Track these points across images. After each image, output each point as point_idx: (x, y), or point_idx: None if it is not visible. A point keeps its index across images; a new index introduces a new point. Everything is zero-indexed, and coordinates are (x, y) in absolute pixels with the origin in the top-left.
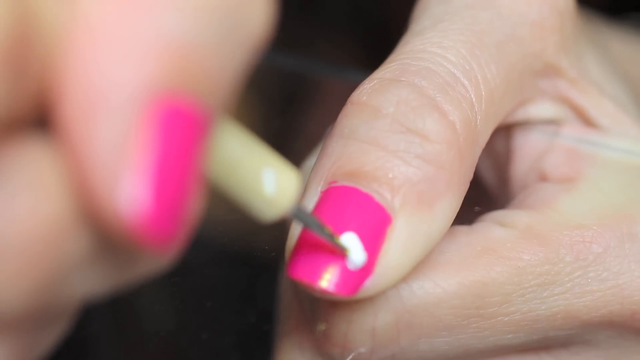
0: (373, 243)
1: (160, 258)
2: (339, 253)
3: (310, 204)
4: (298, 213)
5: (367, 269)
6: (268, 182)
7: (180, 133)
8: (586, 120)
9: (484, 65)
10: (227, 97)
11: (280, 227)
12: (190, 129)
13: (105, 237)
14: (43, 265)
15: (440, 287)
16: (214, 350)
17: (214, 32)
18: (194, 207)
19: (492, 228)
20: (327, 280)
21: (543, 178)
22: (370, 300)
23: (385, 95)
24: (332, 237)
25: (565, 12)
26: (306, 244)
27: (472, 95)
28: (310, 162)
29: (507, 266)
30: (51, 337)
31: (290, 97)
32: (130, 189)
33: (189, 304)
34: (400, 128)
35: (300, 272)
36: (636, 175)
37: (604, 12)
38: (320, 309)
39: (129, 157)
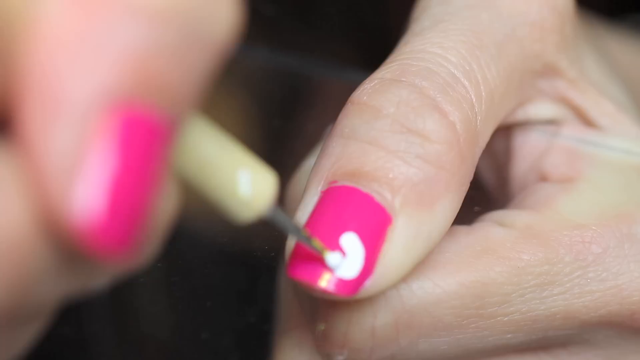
0: (373, 243)
1: (114, 266)
2: (316, 255)
3: (310, 204)
4: (274, 215)
5: (367, 270)
6: (243, 184)
7: (138, 142)
8: (586, 120)
9: (484, 66)
10: (192, 103)
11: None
12: (149, 138)
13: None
14: (11, 270)
15: (439, 287)
16: (214, 350)
17: (174, 39)
18: (152, 216)
19: (491, 228)
20: (327, 280)
21: (543, 178)
22: (369, 300)
23: (386, 96)
24: (309, 240)
25: (565, 12)
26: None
27: (473, 96)
28: (310, 162)
29: (507, 266)
30: (28, 335)
31: (290, 97)
32: (83, 196)
33: (188, 304)
34: (401, 128)
35: (300, 272)
36: (636, 175)
37: (602, 13)
38: (319, 309)
39: (84, 164)
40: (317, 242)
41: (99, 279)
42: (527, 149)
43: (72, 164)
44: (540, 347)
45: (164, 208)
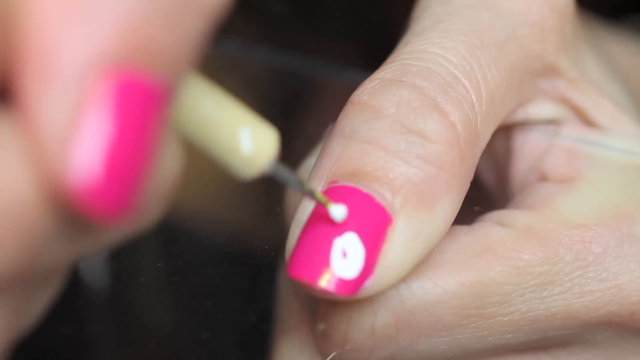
0: (373, 243)
1: (113, 229)
2: (322, 206)
3: (310, 203)
4: (277, 170)
5: (367, 269)
6: (245, 141)
7: (133, 106)
8: (586, 120)
9: (485, 66)
10: (187, 66)
11: (280, 226)
12: (145, 102)
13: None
14: (16, 233)
15: (439, 287)
16: (214, 349)
17: (167, 3)
18: (149, 179)
19: (491, 228)
20: (327, 280)
21: (543, 178)
22: (369, 300)
23: (386, 96)
24: (314, 193)
25: (565, 13)
26: (306, 244)
27: (473, 96)
28: (310, 161)
29: (507, 266)
30: (44, 299)
31: (291, 96)
32: (79, 161)
33: (188, 304)
34: (401, 128)
35: (300, 271)
36: (636, 175)
37: (603, 14)
38: (319, 309)
39: (80, 129)
40: (321, 195)
41: (104, 243)
42: (527, 149)
43: (68, 128)
44: (540, 347)
45: (165, 171)
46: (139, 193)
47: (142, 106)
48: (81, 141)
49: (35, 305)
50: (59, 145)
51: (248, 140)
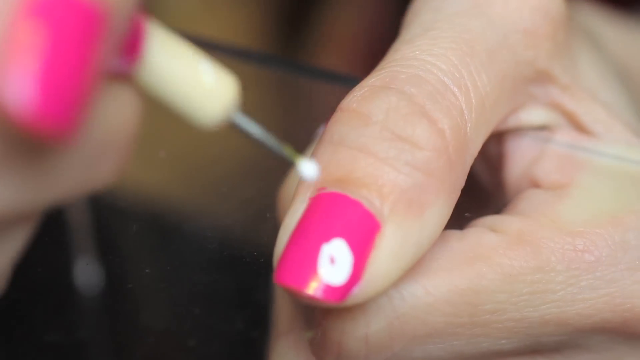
0: (362, 250)
1: (56, 145)
2: (290, 161)
3: (298, 210)
4: (240, 119)
5: (355, 276)
6: (207, 72)
7: (70, 24)
8: (578, 127)
9: (475, 73)
10: None
11: (271, 233)
12: (82, 20)
13: (9, 140)
14: None
15: (431, 294)
16: (202, 357)
17: None
18: (88, 97)
19: (484, 234)
20: (315, 287)
21: (535, 184)
22: (362, 308)
23: (375, 103)
24: (280, 146)
25: (558, 18)
26: (294, 250)
27: (462, 103)
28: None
29: (499, 274)
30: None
31: (280, 102)
32: (17, 80)
33: (177, 311)
34: (390, 135)
35: (287, 278)
36: (628, 181)
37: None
38: (313, 316)
39: (15, 47)
40: (289, 149)
41: (54, 181)
42: (520, 155)
43: (2, 47)
44: (535, 351)
45: (118, 116)
46: (79, 107)
47: (80, 24)
48: (17, 60)
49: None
50: None
51: (210, 72)
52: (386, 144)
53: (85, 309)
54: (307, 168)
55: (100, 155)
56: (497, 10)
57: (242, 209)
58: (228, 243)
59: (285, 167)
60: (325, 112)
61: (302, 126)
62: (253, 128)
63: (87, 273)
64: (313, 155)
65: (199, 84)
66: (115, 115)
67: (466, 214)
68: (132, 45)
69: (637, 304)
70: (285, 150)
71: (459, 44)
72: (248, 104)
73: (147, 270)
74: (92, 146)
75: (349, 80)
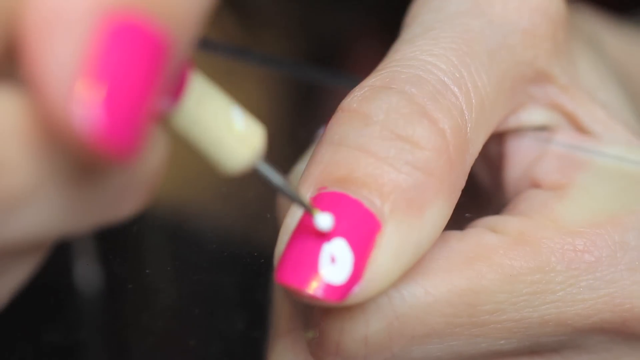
0: (362, 249)
1: (117, 167)
2: (306, 212)
3: (299, 210)
4: (264, 168)
5: (356, 276)
6: (238, 118)
7: (136, 50)
8: (578, 127)
9: (475, 73)
10: (193, 27)
11: (271, 233)
12: (147, 45)
13: (52, 169)
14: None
15: (431, 294)
16: (202, 357)
17: None
18: (150, 121)
19: (484, 234)
20: (315, 286)
21: (535, 184)
22: (361, 308)
23: (376, 103)
24: (298, 197)
25: (557, 19)
26: (295, 249)
27: (463, 103)
28: (300, 167)
29: (499, 274)
30: (14, 280)
31: (281, 102)
32: (85, 103)
33: (177, 311)
34: (390, 135)
35: (288, 277)
36: (627, 182)
37: (611, 9)
38: (312, 316)
39: (83, 70)
40: (308, 202)
41: (84, 214)
42: (520, 156)
43: (72, 70)
44: (534, 352)
45: (151, 159)
46: (142, 131)
47: (146, 50)
48: (85, 84)
49: (4, 284)
50: (63, 90)
51: (240, 118)
52: (386, 143)
53: (85, 309)
54: (323, 220)
55: (130, 190)
56: (497, 11)
57: (242, 209)
58: (228, 243)
59: (285, 167)
60: (326, 112)
61: (303, 126)
62: (275, 177)
63: (87, 273)
64: (314, 155)
65: (230, 131)
66: (148, 153)
67: (466, 215)
68: (176, 87)
69: (636, 304)
70: (304, 202)
71: (459, 44)
72: (248, 104)
73: (147, 271)
74: (126, 180)
75: (350, 80)
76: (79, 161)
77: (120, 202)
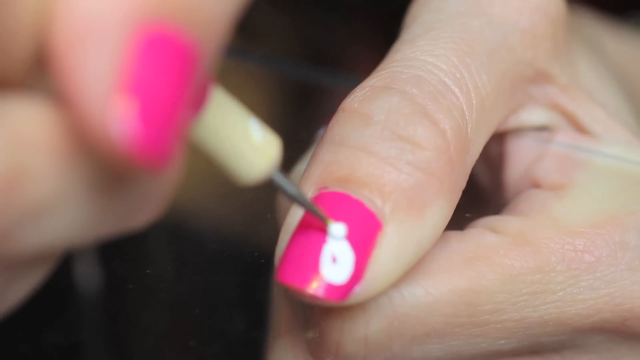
0: (363, 249)
1: (155, 177)
2: (320, 223)
3: (300, 209)
4: (279, 178)
5: (357, 275)
6: (255, 130)
7: (168, 60)
8: (578, 127)
9: (475, 74)
10: (221, 36)
11: (271, 233)
12: (179, 56)
13: (72, 180)
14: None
15: (431, 294)
16: (203, 357)
17: None
18: (184, 129)
19: (484, 234)
20: (317, 285)
21: (535, 184)
22: (362, 307)
23: (377, 103)
24: (313, 207)
25: (557, 19)
26: (296, 249)
27: (463, 104)
28: (300, 167)
29: (499, 274)
30: (25, 287)
31: (282, 102)
32: (120, 113)
33: (177, 311)
34: (391, 135)
35: (289, 276)
36: (628, 182)
37: (608, 11)
38: (312, 317)
39: (118, 81)
40: (321, 211)
41: (102, 224)
42: (520, 155)
43: (106, 81)
44: (534, 352)
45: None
46: (176, 139)
47: (178, 59)
48: (120, 95)
49: (13, 294)
50: (98, 102)
51: (258, 130)
52: (387, 143)
53: (85, 309)
54: (336, 229)
55: (146, 201)
56: (497, 11)
57: (242, 209)
58: (228, 243)
59: (285, 167)
60: (326, 113)
61: (303, 127)
62: (290, 187)
63: (87, 273)
64: (314, 155)
65: (249, 142)
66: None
67: (466, 215)
68: (197, 99)
69: (636, 304)
70: (317, 212)
71: (459, 45)
72: (248, 104)
73: (147, 271)
74: (145, 191)
75: (350, 81)
76: (103, 172)
77: (138, 212)
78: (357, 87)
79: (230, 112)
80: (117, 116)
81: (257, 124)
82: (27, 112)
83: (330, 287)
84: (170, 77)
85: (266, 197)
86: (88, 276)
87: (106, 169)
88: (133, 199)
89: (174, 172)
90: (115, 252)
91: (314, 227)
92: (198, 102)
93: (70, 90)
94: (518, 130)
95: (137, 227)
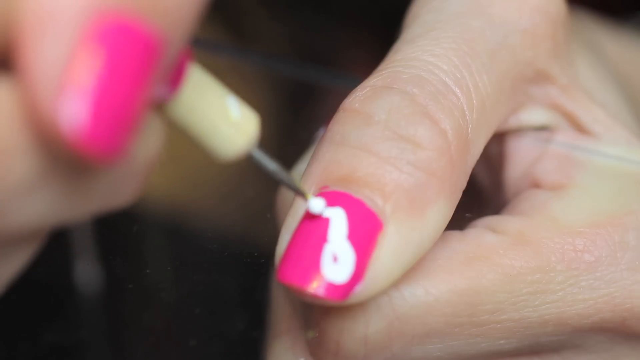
0: (364, 249)
1: (99, 167)
2: (299, 197)
3: (301, 209)
4: (258, 154)
5: (357, 275)
6: (233, 107)
7: (126, 50)
8: (578, 127)
9: (476, 74)
10: (185, 27)
11: (271, 233)
12: (138, 46)
13: (53, 158)
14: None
15: (431, 294)
16: (202, 357)
17: None
18: (136, 124)
19: (484, 234)
20: (317, 285)
21: (535, 184)
22: (362, 307)
23: (377, 103)
24: (293, 182)
25: (557, 19)
26: (297, 248)
27: (464, 104)
28: (301, 167)
29: (499, 274)
30: (10, 268)
31: (282, 102)
32: (71, 103)
33: (177, 311)
34: (392, 135)
35: (290, 276)
36: (627, 181)
37: (608, 12)
38: (312, 316)
39: (71, 71)
40: (301, 186)
41: (82, 204)
42: (520, 155)
43: (60, 71)
44: (533, 352)
45: (146, 145)
46: (128, 132)
47: (136, 52)
48: (72, 85)
49: (4, 272)
50: (51, 90)
51: (236, 107)
52: (388, 143)
53: (85, 309)
54: (315, 203)
55: (127, 179)
56: (497, 11)
57: (242, 209)
58: (228, 243)
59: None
60: (326, 112)
61: (303, 126)
62: (269, 163)
63: (87, 273)
64: (315, 155)
65: (226, 119)
66: (144, 142)
67: (466, 215)
68: (174, 78)
69: (636, 304)
70: (297, 186)
71: (460, 45)
72: (248, 104)
73: (147, 271)
74: (122, 169)
75: (350, 81)
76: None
77: (118, 190)
78: (358, 87)
79: (207, 90)
80: (67, 107)
81: (235, 101)
82: (4, 93)
83: (331, 287)
84: (127, 67)
85: (266, 197)
86: (88, 276)
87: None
88: (111, 177)
89: (152, 149)
90: (115, 252)
91: (314, 226)
92: (173, 81)
93: (24, 74)
94: (518, 130)
95: (120, 205)
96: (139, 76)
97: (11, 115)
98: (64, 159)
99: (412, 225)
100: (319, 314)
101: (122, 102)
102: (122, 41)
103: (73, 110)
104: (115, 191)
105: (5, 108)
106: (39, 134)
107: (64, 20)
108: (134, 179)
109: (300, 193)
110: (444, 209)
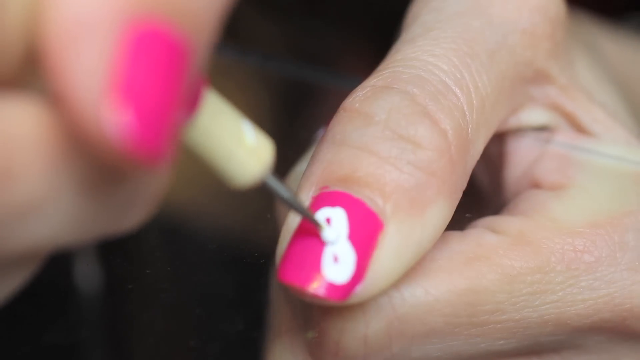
0: (364, 249)
1: (151, 174)
2: (314, 227)
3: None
4: (272, 181)
5: (358, 275)
6: (249, 132)
7: (159, 56)
8: (577, 127)
9: (476, 74)
10: (211, 32)
11: (271, 233)
12: (169, 51)
13: (61, 179)
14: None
15: (431, 294)
16: (202, 357)
17: None
18: (178, 124)
19: (484, 234)
20: (318, 285)
21: (535, 184)
22: (361, 307)
23: (378, 103)
24: (305, 210)
25: (556, 19)
26: (297, 248)
27: (464, 104)
28: (300, 167)
29: (499, 274)
30: (10, 285)
31: (282, 102)
32: (116, 109)
33: (177, 311)
34: (392, 135)
35: (290, 276)
36: (627, 182)
37: (606, 13)
38: (312, 316)
39: (111, 78)
40: (312, 214)
41: (93, 224)
42: (520, 155)
43: (99, 79)
44: (533, 352)
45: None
46: (171, 136)
47: (169, 55)
48: (113, 92)
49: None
50: (92, 100)
51: (251, 132)
52: (388, 143)
53: (85, 309)
54: (330, 234)
55: (137, 202)
56: (497, 11)
57: (242, 209)
58: (228, 243)
59: (285, 167)
60: (326, 113)
61: (303, 126)
62: (283, 190)
63: (87, 273)
64: (315, 155)
65: (242, 144)
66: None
67: (466, 215)
68: (190, 102)
69: (636, 304)
70: (310, 215)
71: (460, 45)
72: (249, 104)
73: (147, 271)
74: (134, 192)
75: (350, 81)
76: (93, 173)
77: (126, 214)
78: (358, 87)
79: (223, 115)
80: (111, 113)
81: (250, 126)
82: (16, 111)
83: (332, 287)
84: (161, 72)
85: (266, 197)
86: (88, 276)
87: (96, 170)
88: (122, 200)
89: (166, 172)
90: (115, 252)
91: (315, 226)
92: (191, 104)
93: (62, 89)
94: (518, 130)
95: (127, 229)
96: (173, 81)
97: (22, 133)
98: (76, 180)
99: (413, 225)
100: (319, 314)
101: (162, 105)
102: (155, 46)
103: (119, 115)
104: (123, 215)
105: (12, 127)
106: (56, 151)
107: (100, 28)
108: (142, 204)
109: (315, 222)
110: (444, 209)
